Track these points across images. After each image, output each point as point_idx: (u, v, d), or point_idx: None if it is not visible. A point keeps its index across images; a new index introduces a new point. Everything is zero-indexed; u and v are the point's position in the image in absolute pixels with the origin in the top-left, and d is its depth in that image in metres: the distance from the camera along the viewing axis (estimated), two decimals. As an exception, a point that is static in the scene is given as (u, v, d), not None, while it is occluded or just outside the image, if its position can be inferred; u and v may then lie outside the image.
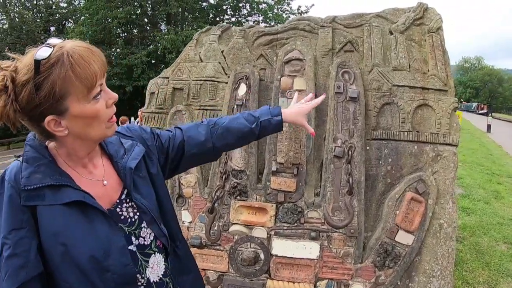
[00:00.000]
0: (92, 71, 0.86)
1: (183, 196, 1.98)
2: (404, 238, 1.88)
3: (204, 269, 1.98)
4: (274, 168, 1.85)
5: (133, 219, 0.99)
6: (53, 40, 0.86)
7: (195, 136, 1.21)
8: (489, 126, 18.00)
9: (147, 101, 2.12)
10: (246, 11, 17.75)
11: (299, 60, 1.94)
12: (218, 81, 2.01)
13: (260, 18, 17.56)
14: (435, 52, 1.97)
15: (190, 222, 1.98)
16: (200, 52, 2.08)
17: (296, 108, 1.38)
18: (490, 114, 20.81)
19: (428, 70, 1.96)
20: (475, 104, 42.44)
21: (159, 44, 15.12)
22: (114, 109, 0.94)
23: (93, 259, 0.90)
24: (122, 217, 0.98)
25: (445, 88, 1.95)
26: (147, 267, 0.99)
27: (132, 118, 10.30)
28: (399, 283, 1.92)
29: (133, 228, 0.99)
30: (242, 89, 1.94)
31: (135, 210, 1.00)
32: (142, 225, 1.00)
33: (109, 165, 1.03)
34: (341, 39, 2.00)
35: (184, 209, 1.99)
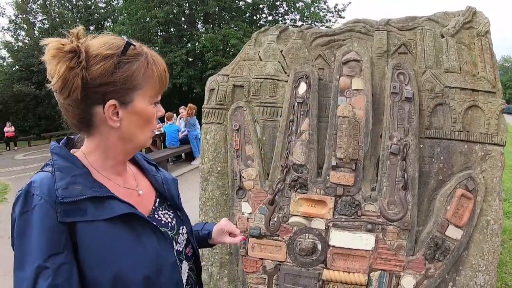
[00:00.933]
0: (166, 77, 0.89)
1: (244, 188, 2.09)
2: (453, 232, 1.99)
3: (261, 258, 2.09)
4: (333, 163, 1.96)
5: (172, 224, 0.99)
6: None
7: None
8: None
9: (206, 97, 2.23)
10: (283, 10, 17.83)
11: (356, 61, 2.04)
12: (278, 80, 2.12)
13: (297, 17, 17.67)
14: (483, 55, 2.06)
15: (250, 213, 2.09)
16: (259, 52, 2.18)
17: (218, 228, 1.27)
18: None
19: (478, 72, 2.05)
20: (518, 106, 38.23)
21: (197, 43, 15.28)
22: (157, 124, 0.95)
23: (147, 280, 0.82)
24: (163, 222, 0.97)
25: (494, 90, 2.04)
26: (181, 274, 0.97)
27: (175, 115, 10.41)
28: (447, 276, 2.02)
29: (173, 233, 0.98)
30: (302, 88, 2.04)
31: (171, 216, 1.01)
32: (180, 231, 1.01)
33: (140, 175, 1.03)
34: (395, 42, 2.10)
35: (244, 201, 2.10)
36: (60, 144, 0.89)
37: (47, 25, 20.78)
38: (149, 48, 0.88)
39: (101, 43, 0.81)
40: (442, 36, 2.11)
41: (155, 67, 0.85)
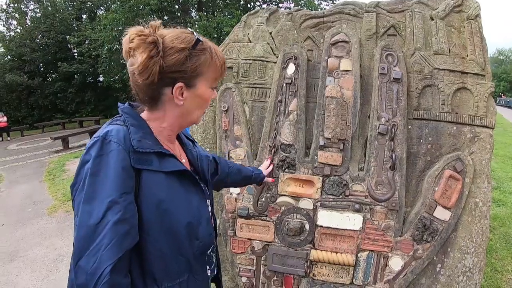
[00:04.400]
0: (224, 69, 1.07)
1: (232, 169, 2.12)
2: (441, 214, 2.01)
3: (250, 239, 2.12)
4: (321, 143, 1.99)
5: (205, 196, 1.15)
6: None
7: (223, 166, 1.55)
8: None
9: (195, 79, 2.26)
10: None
11: (345, 42, 2.08)
12: (267, 61, 2.15)
13: (292, 5, 17.68)
14: (473, 38, 2.10)
15: (238, 194, 2.12)
16: (248, 34, 2.22)
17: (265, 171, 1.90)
18: None
19: (467, 55, 2.09)
20: (517, 99, 37.90)
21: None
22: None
23: (190, 226, 0.98)
24: (203, 190, 1.13)
25: (483, 73, 2.07)
26: (214, 238, 1.17)
27: None
28: (435, 258, 2.05)
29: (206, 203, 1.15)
30: (291, 69, 2.08)
31: (203, 189, 1.13)
32: (207, 203, 1.15)
33: (181, 148, 1.19)
34: (384, 24, 2.13)
35: (232, 182, 2.12)
36: (127, 105, 1.05)
37: (39, 14, 20.84)
38: (211, 42, 1.05)
39: (174, 36, 0.96)
40: (432, 19, 2.14)
41: (217, 59, 1.03)
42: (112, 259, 0.80)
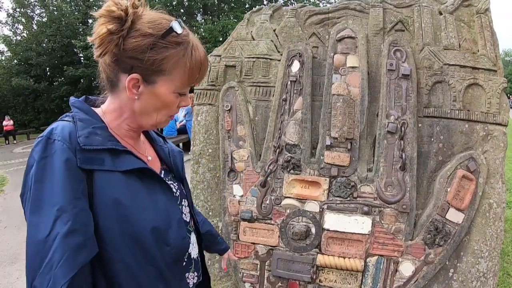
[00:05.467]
0: (198, 76, 0.91)
1: (235, 170, 2.06)
2: (454, 216, 1.93)
3: (253, 243, 2.06)
4: (328, 143, 1.92)
5: (176, 195, 1.02)
6: (181, 22, 0.88)
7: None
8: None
9: (198, 78, 2.20)
10: (283, 1, 17.96)
11: (351, 38, 2.01)
12: (271, 59, 2.10)
13: (297, 7, 17.88)
14: (484, 33, 2.03)
15: (242, 196, 2.05)
16: (251, 31, 2.17)
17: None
18: None
19: (478, 50, 2.02)
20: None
21: (196, 34, 15.56)
22: (179, 110, 0.99)
23: (156, 231, 0.86)
24: (171, 187, 1.01)
25: (495, 68, 2.00)
26: (189, 243, 1.01)
27: None
28: (447, 262, 1.96)
29: (177, 203, 1.02)
30: (296, 66, 2.01)
31: (176, 187, 1.04)
32: (183, 203, 1.04)
33: (148, 144, 1.07)
34: (391, 19, 2.07)
35: (235, 183, 2.07)
36: (80, 99, 0.94)
37: (45, 19, 21.11)
38: (198, 41, 0.91)
39: (149, 19, 0.85)
40: (440, 13, 2.08)
41: (189, 60, 0.87)
42: (66, 277, 0.71)
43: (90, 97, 0.98)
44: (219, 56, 2.17)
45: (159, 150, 1.07)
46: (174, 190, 1.02)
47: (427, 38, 2.02)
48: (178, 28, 0.85)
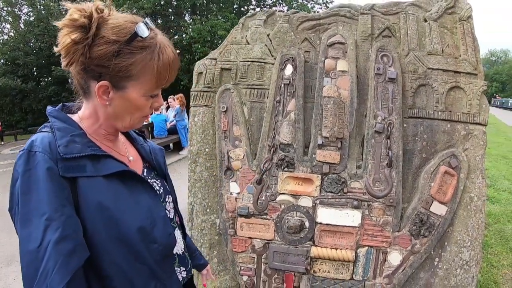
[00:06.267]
0: (168, 77, 0.92)
1: (232, 168, 2.18)
2: (438, 209, 2.08)
3: (250, 238, 2.17)
4: (319, 142, 2.05)
5: (160, 192, 1.07)
6: (149, 22, 0.88)
7: None
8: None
9: (194, 80, 2.32)
10: (271, 1, 18.11)
11: (341, 43, 2.15)
12: (265, 62, 2.22)
13: (285, 9, 18.02)
14: (465, 39, 2.18)
15: (238, 193, 2.17)
16: (246, 36, 2.29)
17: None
18: None
19: (460, 55, 2.17)
20: (512, 101, 37.42)
21: (184, 34, 15.43)
22: (153, 111, 1.01)
23: (142, 230, 0.89)
24: (153, 187, 1.03)
25: (475, 72, 2.15)
26: (175, 238, 1.04)
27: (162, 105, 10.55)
28: (432, 252, 2.11)
29: (161, 200, 1.05)
30: (289, 70, 2.14)
31: (159, 185, 1.08)
32: (167, 199, 1.08)
33: (128, 144, 1.10)
34: (379, 25, 2.21)
35: (232, 181, 2.18)
36: (56, 108, 0.95)
37: (33, 18, 20.78)
38: (167, 41, 0.90)
39: (114, 24, 0.84)
40: (425, 21, 2.22)
41: (157, 64, 0.87)
42: (61, 283, 0.74)
43: (66, 104, 1.00)
44: (215, 59, 2.29)
45: (140, 149, 1.10)
46: (158, 187, 1.06)
47: (412, 44, 2.17)
48: (143, 32, 0.85)
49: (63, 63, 0.84)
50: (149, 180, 1.04)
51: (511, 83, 55.56)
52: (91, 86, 0.88)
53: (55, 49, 0.85)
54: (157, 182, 1.08)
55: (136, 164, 1.05)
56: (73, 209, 0.81)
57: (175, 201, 1.15)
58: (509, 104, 36.67)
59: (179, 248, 1.09)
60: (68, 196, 0.80)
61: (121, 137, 1.07)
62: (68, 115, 0.94)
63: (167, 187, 1.12)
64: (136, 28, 0.84)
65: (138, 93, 0.89)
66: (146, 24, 0.86)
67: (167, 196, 1.09)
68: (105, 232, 0.84)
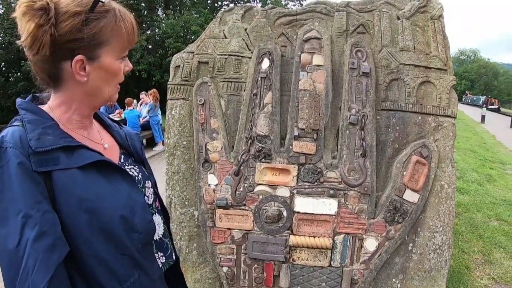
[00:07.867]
0: (134, 33, 0.95)
1: (210, 160, 2.25)
2: (410, 196, 2.21)
3: (229, 229, 2.24)
4: (296, 133, 2.14)
5: (139, 178, 1.06)
6: None
7: None
8: (483, 117, 19.62)
9: (171, 74, 2.38)
10: None
11: (317, 39, 2.25)
12: (242, 56, 2.30)
13: (259, 5, 18.15)
14: (436, 37, 2.32)
15: (216, 185, 2.24)
16: (224, 30, 2.36)
17: None
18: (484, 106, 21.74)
19: (431, 52, 2.31)
20: (483, 98, 37.90)
21: (157, 29, 15.28)
22: (123, 77, 1.02)
23: (123, 219, 0.89)
24: (130, 174, 1.03)
25: (445, 67, 2.30)
26: (155, 225, 1.05)
27: (135, 101, 10.44)
28: (407, 237, 2.24)
29: (140, 186, 1.05)
30: (266, 63, 2.23)
31: (137, 171, 1.08)
32: (146, 185, 1.09)
33: (104, 131, 1.08)
34: (354, 22, 2.32)
35: (210, 173, 2.25)
36: (27, 100, 0.94)
37: (2, 11, 20.14)
38: (118, 3, 0.93)
39: None
40: (398, 18, 2.35)
41: (123, 23, 0.90)
42: (44, 280, 0.74)
43: (36, 95, 0.99)
44: (192, 52, 2.35)
45: (116, 136, 1.10)
46: (136, 173, 1.06)
47: (386, 40, 2.29)
48: None
49: (32, 51, 0.84)
50: (126, 167, 1.05)
51: (479, 81, 58.54)
52: (64, 68, 0.88)
53: (19, 41, 0.85)
54: (135, 168, 1.08)
55: (112, 151, 1.05)
56: (49, 204, 0.80)
57: (154, 185, 1.15)
58: (480, 102, 37.53)
59: (156, 234, 1.09)
60: (43, 191, 0.80)
61: (96, 125, 1.07)
62: (39, 106, 0.93)
63: (146, 172, 1.13)
64: None
65: (111, 58, 0.91)
66: None
67: (146, 181, 1.10)
68: (85, 224, 0.83)
